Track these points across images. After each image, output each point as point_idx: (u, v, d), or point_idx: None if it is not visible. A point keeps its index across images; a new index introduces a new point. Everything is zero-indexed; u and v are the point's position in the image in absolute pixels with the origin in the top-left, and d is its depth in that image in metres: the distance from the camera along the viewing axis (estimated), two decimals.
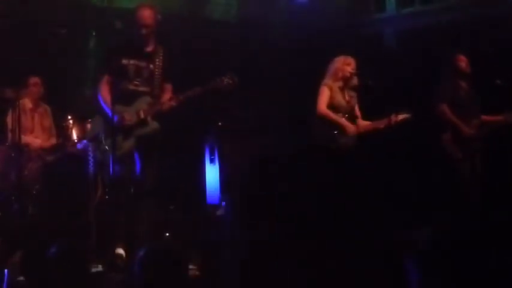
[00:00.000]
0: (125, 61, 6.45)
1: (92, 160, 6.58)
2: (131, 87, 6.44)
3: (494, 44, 9.77)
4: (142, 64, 6.50)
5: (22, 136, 7.95)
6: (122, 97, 6.27)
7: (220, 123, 9.68)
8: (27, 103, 8.58)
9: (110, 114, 6.20)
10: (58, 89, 9.14)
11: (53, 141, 8.70)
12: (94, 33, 9.75)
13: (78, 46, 9.81)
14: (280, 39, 11.44)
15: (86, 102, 8.97)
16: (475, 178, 7.90)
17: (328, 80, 7.78)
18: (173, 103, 6.47)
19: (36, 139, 8.60)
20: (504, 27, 9.91)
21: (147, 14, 6.45)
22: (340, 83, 7.78)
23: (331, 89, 7.71)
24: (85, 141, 6.52)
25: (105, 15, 9.74)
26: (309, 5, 11.67)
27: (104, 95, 6.40)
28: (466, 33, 10.04)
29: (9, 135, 8.29)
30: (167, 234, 7.51)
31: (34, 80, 8.70)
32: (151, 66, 6.52)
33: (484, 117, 8.13)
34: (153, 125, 6.50)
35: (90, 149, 6.54)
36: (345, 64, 7.81)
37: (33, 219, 7.78)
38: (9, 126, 8.30)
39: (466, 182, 7.85)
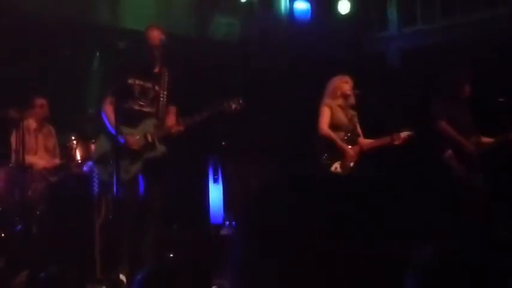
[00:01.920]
0: (130, 81, 6.44)
1: (96, 182, 6.56)
2: (136, 107, 6.43)
3: (496, 62, 9.79)
4: (148, 85, 6.49)
5: (26, 156, 7.97)
6: (126, 117, 6.26)
7: (223, 143, 9.70)
8: (31, 123, 8.59)
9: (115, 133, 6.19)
10: (61, 109, 9.16)
11: (57, 161, 8.71)
12: (98, 54, 9.79)
13: (82, 66, 9.85)
14: (282, 59, 11.48)
15: (90, 122, 8.99)
16: (476, 195, 7.85)
17: (327, 99, 7.82)
18: (181, 128, 6.48)
19: (40, 160, 8.61)
20: (505, 45, 9.93)
21: (157, 35, 6.46)
22: (340, 101, 7.81)
23: (331, 108, 7.75)
24: (90, 162, 6.51)
25: (108, 36, 9.78)
26: (310, 24, 11.72)
27: (109, 114, 6.36)
28: (468, 52, 10.06)
29: (13, 155, 8.30)
30: (171, 255, 7.50)
31: (41, 101, 8.71)
32: (156, 87, 6.51)
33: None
34: (161, 148, 6.49)
35: (95, 170, 6.52)
36: (342, 82, 7.86)
37: (37, 240, 7.78)
38: (13, 146, 8.32)
39: (468, 199, 7.80)
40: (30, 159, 8.26)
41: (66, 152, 8.60)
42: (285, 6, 11.90)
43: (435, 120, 7.99)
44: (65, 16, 9.81)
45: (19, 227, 7.78)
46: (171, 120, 6.58)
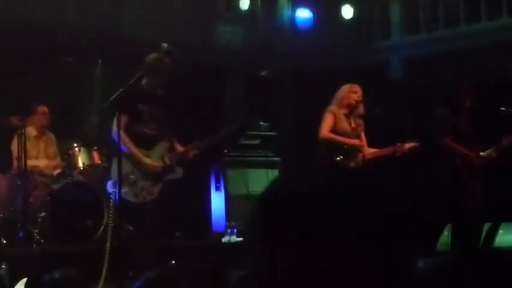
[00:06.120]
0: (140, 106, 6.59)
1: (112, 201, 6.64)
2: (147, 131, 6.58)
3: (499, 71, 9.79)
4: (155, 109, 6.63)
5: (27, 161, 7.98)
6: (139, 140, 6.47)
7: (225, 151, 9.69)
8: (31, 131, 8.59)
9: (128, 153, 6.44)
10: (63, 116, 9.17)
11: (58, 171, 8.72)
12: (100, 61, 9.80)
13: (85, 73, 9.86)
14: (285, 67, 11.49)
15: (92, 129, 9.00)
16: (477, 205, 7.73)
17: (332, 107, 7.80)
18: (197, 152, 6.81)
19: (41, 161, 8.64)
20: (509, 54, 9.94)
21: (169, 63, 6.61)
22: (345, 110, 7.78)
23: (335, 115, 7.72)
24: (110, 182, 6.62)
25: (111, 44, 9.80)
26: (314, 33, 11.74)
27: (124, 137, 6.49)
28: (471, 61, 10.07)
29: (15, 162, 8.31)
30: (173, 262, 7.50)
31: (42, 109, 8.72)
32: (161, 110, 6.67)
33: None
34: (179, 170, 6.78)
35: (115, 189, 6.58)
36: (350, 92, 7.82)
37: (38, 247, 7.78)
38: (15, 154, 8.33)
39: (471, 210, 7.68)
40: (31, 162, 8.26)
41: (68, 159, 8.62)
42: (288, 15, 11.92)
43: (440, 138, 7.82)
44: (68, 24, 9.84)
45: (21, 233, 7.78)
46: (177, 143, 6.85)
